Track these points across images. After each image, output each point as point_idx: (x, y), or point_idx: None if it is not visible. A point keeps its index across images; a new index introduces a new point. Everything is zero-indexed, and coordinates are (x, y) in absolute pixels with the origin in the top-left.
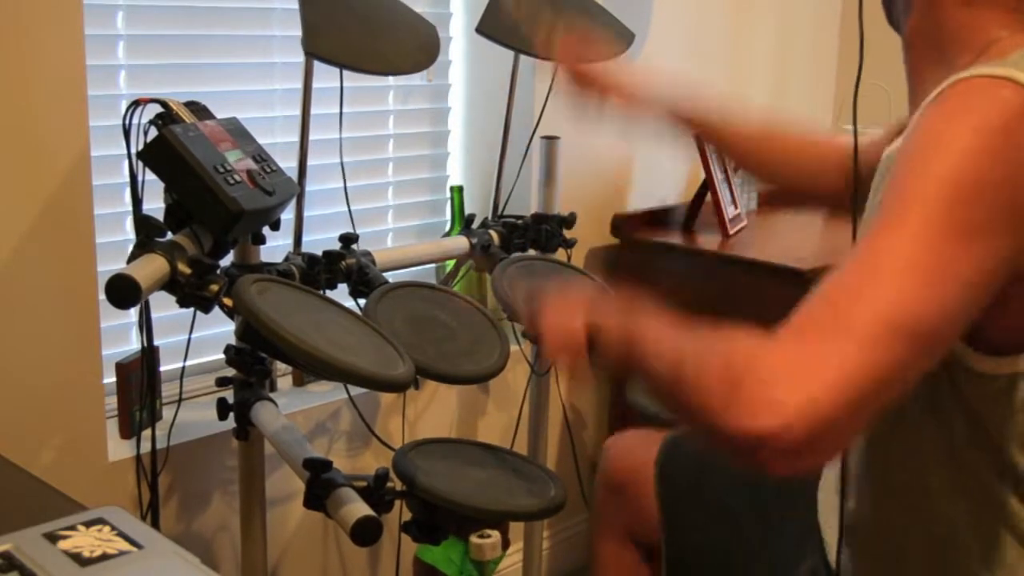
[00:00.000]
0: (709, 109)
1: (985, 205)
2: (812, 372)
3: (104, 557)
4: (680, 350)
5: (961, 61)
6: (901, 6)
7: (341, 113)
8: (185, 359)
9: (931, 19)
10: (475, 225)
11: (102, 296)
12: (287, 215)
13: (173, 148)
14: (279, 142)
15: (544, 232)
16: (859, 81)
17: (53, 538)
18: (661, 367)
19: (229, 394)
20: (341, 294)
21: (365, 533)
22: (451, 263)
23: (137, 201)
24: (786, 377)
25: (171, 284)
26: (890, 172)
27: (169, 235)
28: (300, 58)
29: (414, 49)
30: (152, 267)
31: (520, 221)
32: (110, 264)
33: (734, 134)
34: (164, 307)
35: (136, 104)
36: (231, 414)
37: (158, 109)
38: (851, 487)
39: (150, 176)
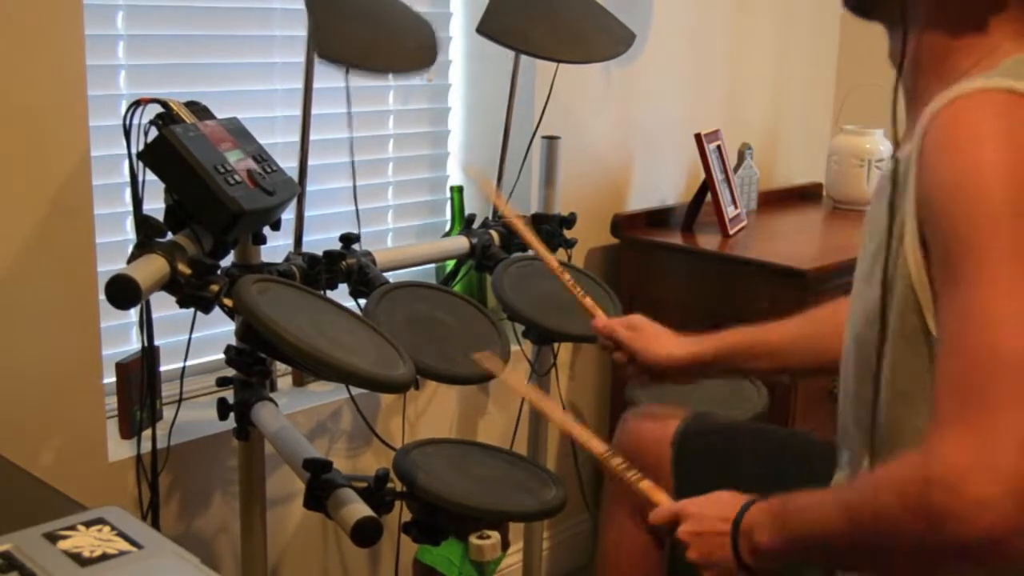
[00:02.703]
0: (743, 335)
1: None
2: (990, 449)
3: (104, 557)
4: (841, 505)
5: (960, 67)
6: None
7: (349, 112)
8: (185, 359)
9: (940, 31)
10: (475, 225)
11: (102, 296)
12: (288, 215)
13: (173, 148)
14: (279, 142)
15: (544, 232)
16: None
17: (53, 538)
18: (830, 533)
19: (229, 394)
20: (341, 294)
21: (365, 534)
22: (451, 263)
23: (137, 201)
24: (972, 471)
25: (171, 284)
26: (931, 220)
27: (169, 235)
28: (300, 58)
29: (416, 49)
30: (152, 267)
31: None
32: (110, 264)
33: (774, 342)
34: (164, 307)
35: (136, 104)
36: (231, 414)
37: (158, 109)
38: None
39: (150, 176)
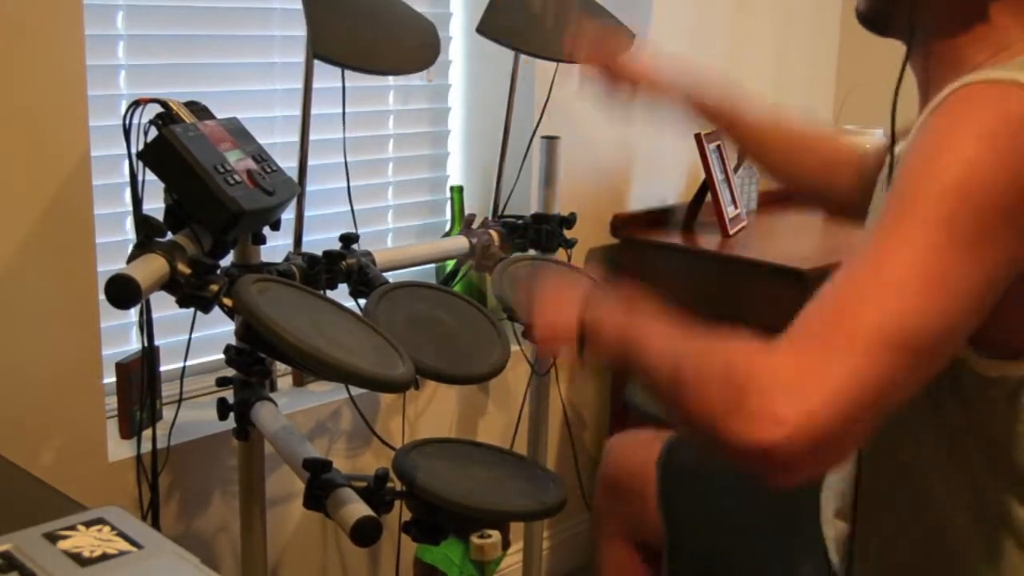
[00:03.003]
0: (725, 98)
1: (989, 213)
2: (812, 385)
3: (104, 557)
4: (679, 351)
5: (975, 61)
6: (926, 15)
7: (344, 113)
8: (185, 359)
9: (957, 26)
10: (475, 225)
11: (102, 296)
12: (287, 215)
13: (173, 148)
14: (279, 142)
15: (544, 232)
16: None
17: (53, 538)
18: (659, 367)
19: (229, 394)
20: (341, 294)
21: (365, 533)
22: (451, 263)
23: (137, 201)
24: (787, 390)
25: (171, 284)
26: (895, 176)
27: (169, 235)
28: (300, 58)
29: (416, 49)
30: (152, 267)
31: (520, 221)
32: (110, 264)
33: (748, 124)
34: (164, 307)
35: (136, 104)
36: (231, 414)
37: (158, 109)
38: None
39: (150, 176)
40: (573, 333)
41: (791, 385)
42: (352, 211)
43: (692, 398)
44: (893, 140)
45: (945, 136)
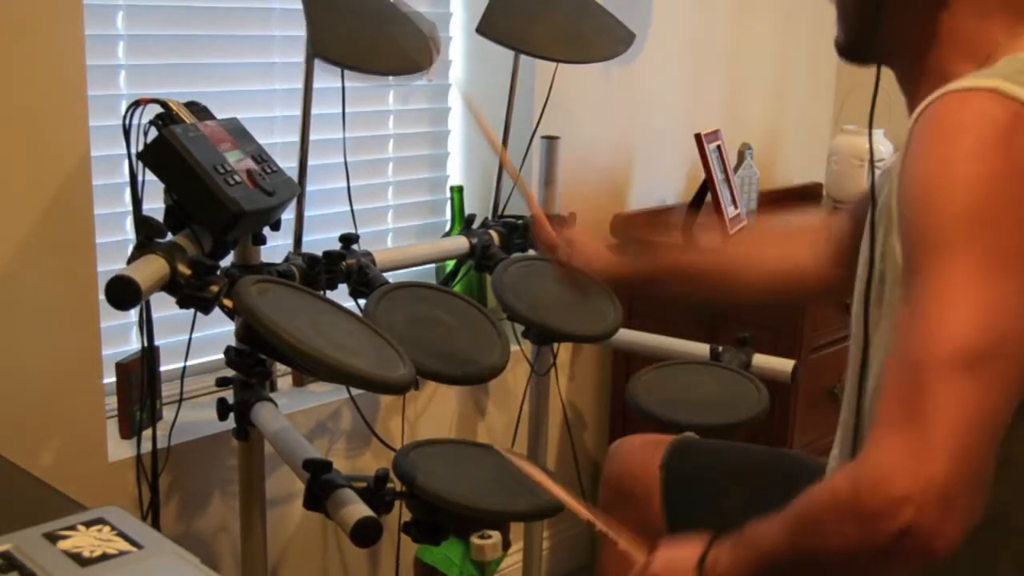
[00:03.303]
0: (661, 263)
1: (1009, 224)
2: (914, 451)
3: (104, 557)
4: (783, 520)
5: (960, 69)
6: (899, 29)
7: (344, 113)
8: (185, 359)
9: (935, 33)
10: (475, 225)
11: (102, 296)
12: (287, 215)
13: (173, 148)
14: (279, 142)
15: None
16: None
17: (53, 538)
18: (776, 549)
19: (229, 394)
20: (341, 294)
21: (365, 534)
22: (451, 263)
23: (137, 201)
24: (893, 471)
25: (171, 285)
26: (903, 213)
27: (169, 236)
28: (300, 58)
29: (416, 49)
30: (152, 268)
31: (520, 221)
32: (110, 264)
33: (695, 267)
34: (164, 307)
35: (136, 104)
36: (231, 414)
37: (158, 109)
38: None
39: (150, 176)
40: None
41: (894, 464)
42: (352, 211)
43: (820, 543)
44: (872, 153)
45: (938, 160)
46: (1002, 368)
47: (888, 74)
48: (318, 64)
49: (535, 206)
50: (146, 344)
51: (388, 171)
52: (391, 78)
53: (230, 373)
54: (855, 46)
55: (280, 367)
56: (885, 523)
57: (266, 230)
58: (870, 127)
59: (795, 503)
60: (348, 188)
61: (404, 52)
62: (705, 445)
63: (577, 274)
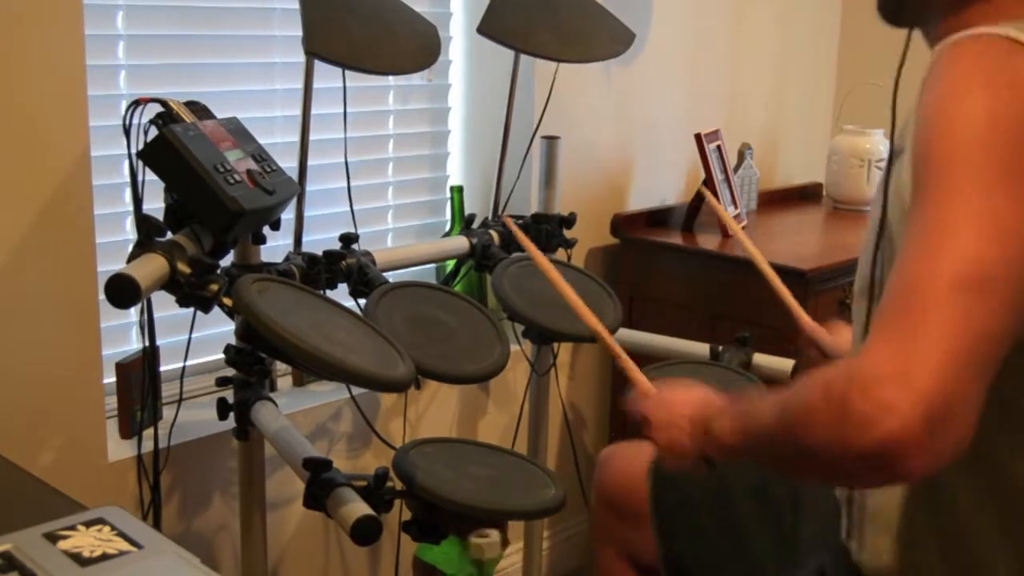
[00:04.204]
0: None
1: (1016, 146)
2: (907, 362)
3: (104, 557)
4: (777, 401)
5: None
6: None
7: (345, 113)
8: (185, 359)
9: (972, 9)
10: (475, 225)
11: (102, 296)
12: (287, 215)
13: (173, 148)
14: (279, 142)
15: (544, 232)
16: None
17: (53, 538)
18: (767, 427)
19: (229, 394)
20: (341, 294)
21: (365, 532)
22: (451, 263)
23: (137, 201)
24: (886, 377)
25: (171, 284)
26: (913, 153)
27: (169, 235)
28: (300, 58)
29: (415, 49)
30: (152, 267)
31: (520, 221)
32: (110, 264)
33: None
34: (164, 307)
35: (136, 104)
36: (231, 414)
37: (158, 109)
38: None
39: (150, 176)
40: (687, 442)
41: (888, 371)
42: (352, 211)
43: (803, 432)
44: (894, 132)
45: (950, 95)
46: (1002, 291)
47: (889, 74)
48: (318, 63)
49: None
50: (146, 344)
51: (388, 171)
52: (391, 78)
53: (230, 373)
54: (891, 6)
55: (280, 367)
56: (868, 428)
57: (266, 229)
58: (894, 95)
59: (793, 387)
60: (348, 188)
61: (402, 51)
62: None
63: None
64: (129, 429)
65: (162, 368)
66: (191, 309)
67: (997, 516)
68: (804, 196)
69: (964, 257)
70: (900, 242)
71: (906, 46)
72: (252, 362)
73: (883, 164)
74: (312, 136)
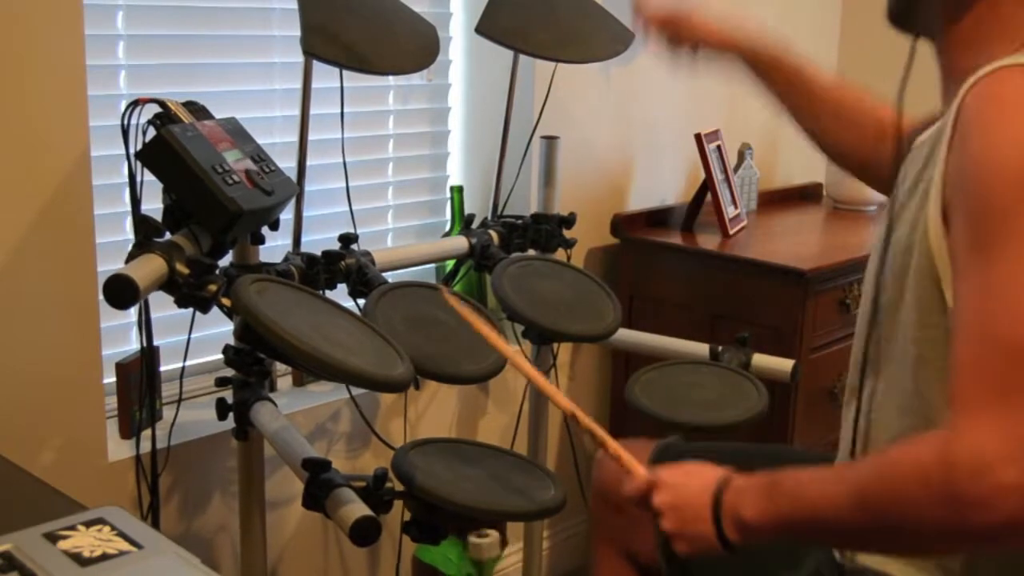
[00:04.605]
0: (783, 54)
1: None
2: (1016, 440)
3: (104, 557)
4: (849, 481)
5: (998, 48)
6: (937, 9)
7: (342, 113)
8: (185, 359)
9: (977, 17)
10: (475, 225)
11: (102, 296)
12: (286, 215)
13: (171, 148)
14: (278, 142)
15: (544, 232)
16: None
17: (53, 538)
18: (838, 511)
19: (229, 394)
20: (341, 294)
21: (364, 533)
22: (451, 263)
23: (135, 201)
24: (997, 457)
25: (169, 284)
26: (961, 190)
27: (168, 235)
28: (300, 58)
29: (414, 49)
30: (150, 267)
31: (520, 221)
32: (110, 264)
33: (803, 83)
34: (164, 307)
35: (135, 104)
36: (231, 414)
37: (157, 109)
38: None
39: (149, 176)
40: (708, 514)
41: (999, 450)
42: (351, 211)
43: (899, 515)
44: (900, 127)
45: (998, 133)
46: None
47: (891, 72)
48: (318, 64)
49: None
50: (145, 344)
51: (388, 171)
52: (391, 78)
53: (229, 373)
54: (901, 14)
55: (280, 367)
56: (988, 511)
57: (265, 230)
58: (900, 101)
59: (864, 468)
60: (347, 188)
61: (401, 51)
62: (688, 448)
63: (687, 51)
64: (129, 429)
65: (162, 368)
66: (190, 309)
67: None
68: (804, 196)
69: None
70: (957, 300)
71: (910, 59)
72: (251, 362)
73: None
74: (311, 136)
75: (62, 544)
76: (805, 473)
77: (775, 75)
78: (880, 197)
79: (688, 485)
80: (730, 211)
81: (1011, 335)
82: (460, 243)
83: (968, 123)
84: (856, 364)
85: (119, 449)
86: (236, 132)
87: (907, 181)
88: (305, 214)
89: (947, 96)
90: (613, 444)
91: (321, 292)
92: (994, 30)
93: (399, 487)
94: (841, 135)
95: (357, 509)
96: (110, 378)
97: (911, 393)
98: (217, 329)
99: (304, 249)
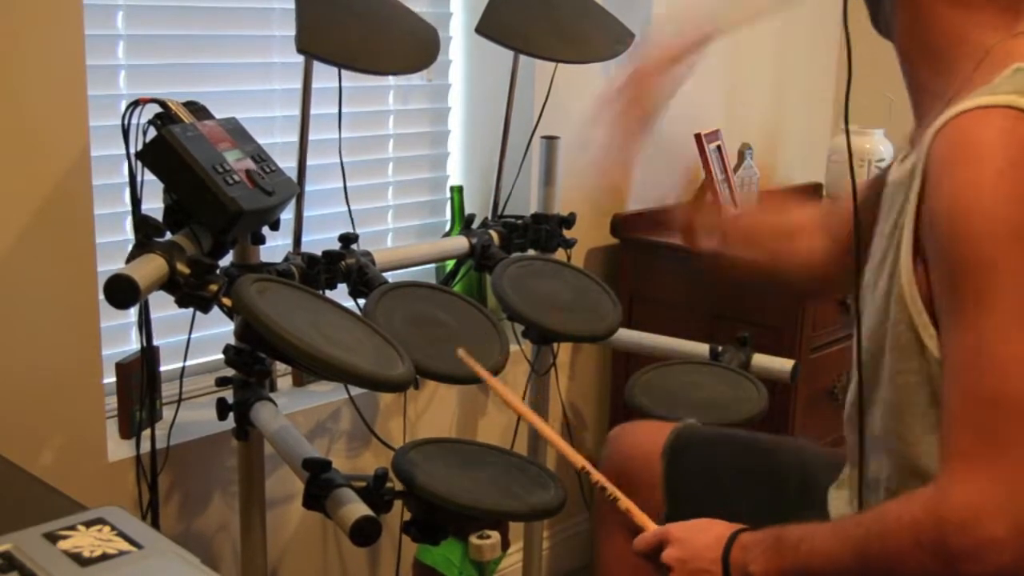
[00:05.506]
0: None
1: None
2: (1006, 492)
3: (104, 557)
4: (850, 538)
5: (960, 69)
6: (888, 10)
7: (340, 113)
8: (185, 359)
9: (921, 22)
10: (475, 225)
11: (102, 296)
12: (286, 215)
13: (172, 148)
14: (279, 142)
15: (544, 232)
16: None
17: (53, 538)
18: (833, 561)
19: (229, 394)
20: (341, 294)
21: (364, 533)
22: (451, 263)
23: (136, 201)
24: (984, 512)
25: (170, 284)
26: (936, 244)
27: (168, 235)
28: (300, 58)
29: (413, 49)
30: (151, 267)
31: (520, 221)
32: (110, 264)
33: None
34: (164, 307)
35: (135, 104)
36: (231, 414)
37: (157, 109)
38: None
39: (150, 176)
40: (717, 569)
41: (985, 505)
42: (349, 211)
43: (892, 569)
44: (848, 134)
45: (966, 183)
46: None
47: (890, 78)
48: (318, 64)
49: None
50: (145, 344)
51: (388, 171)
52: (391, 78)
53: (230, 373)
54: (874, 20)
55: (280, 367)
56: (977, 564)
57: (265, 230)
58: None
59: (863, 524)
60: (344, 188)
61: (400, 51)
62: (707, 433)
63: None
64: (129, 429)
65: (162, 368)
66: (191, 309)
67: None
68: (804, 196)
69: None
70: (944, 354)
71: (848, 62)
72: (252, 362)
73: (883, 164)
74: (311, 136)
75: (62, 544)
76: (809, 528)
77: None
78: None
79: (697, 540)
80: (730, 211)
81: (997, 389)
82: (460, 243)
83: (937, 173)
84: (853, 402)
85: (119, 449)
86: (236, 132)
87: (886, 224)
88: (305, 214)
89: (918, 117)
90: (625, 500)
91: (321, 292)
92: (952, 41)
93: (399, 487)
94: (773, 259)
95: (357, 509)
96: (110, 378)
97: (894, 435)
98: (217, 329)
99: (304, 249)
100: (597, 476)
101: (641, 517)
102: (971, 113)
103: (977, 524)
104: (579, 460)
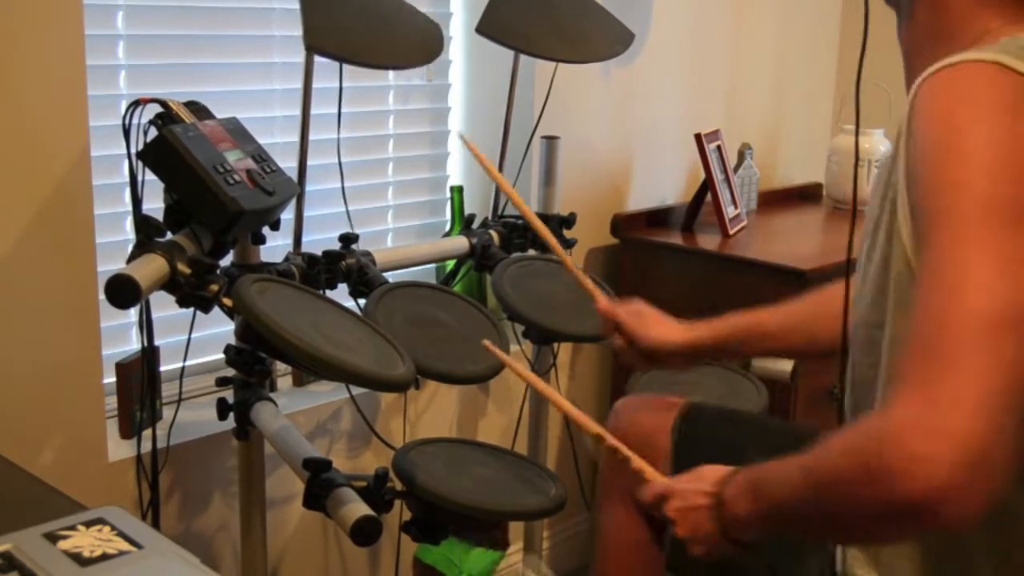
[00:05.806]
0: (737, 326)
1: (1022, 184)
2: (942, 412)
3: (104, 557)
4: (799, 468)
5: (954, 49)
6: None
7: (340, 112)
8: (185, 359)
9: (935, 8)
10: (475, 225)
11: (102, 296)
12: (287, 215)
13: (173, 148)
14: (279, 142)
15: None
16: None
17: (53, 538)
18: (791, 496)
19: (229, 394)
20: (341, 294)
21: (364, 533)
22: (451, 263)
23: (137, 201)
24: (921, 429)
25: (171, 284)
26: (913, 182)
27: (169, 235)
28: (300, 58)
29: (415, 44)
30: (152, 267)
31: (520, 221)
32: (110, 264)
33: (775, 323)
34: (164, 307)
35: (136, 104)
36: (231, 414)
37: (158, 109)
38: None
39: (150, 176)
40: (709, 524)
41: (923, 423)
42: (347, 211)
43: (838, 493)
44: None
45: (948, 125)
46: None
47: (889, 75)
48: (318, 64)
49: (601, 298)
50: (146, 344)
51: (388, 171)
52: (392, 76)
53: (230, 373)
54: None
55: (280, 367)
56: (910, 481)
57: (265, 230)
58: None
59: (815, 452)
60: (343, 188)
61: (403, 46)
62: (717, 411)
63: (644, 351)
64: (129, 429)
65: (162, 368)
66: (191, 309)
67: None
68: (804, 196)
69: (985, 297)
70: (915, 289)
71: (863, 50)
72: (252, 362)
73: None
74: (312, 136)
75: (62, 544)
76: (779, 462)
77: (745, 348)
78: None
79: (693, 491)
80: (730, 211)
81: (945, 310)
82: (460, 243)
83: (916, 118)
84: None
85: (119, 449)
86: (237, 132)
87: (876, 195)
88: (306, 214)
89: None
90: (637, 460)
91: (322, 292)
92: (957, 25)
93: (400, 487)
94: (818, 338)
95: (358, 509)
96: (110, 378)
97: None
98: (217, 329)
99: (305, 249)
100: (612, 441)
101: (654, 474)
102: (955, 66)
103: (908, 439)
104: (594, 427)
